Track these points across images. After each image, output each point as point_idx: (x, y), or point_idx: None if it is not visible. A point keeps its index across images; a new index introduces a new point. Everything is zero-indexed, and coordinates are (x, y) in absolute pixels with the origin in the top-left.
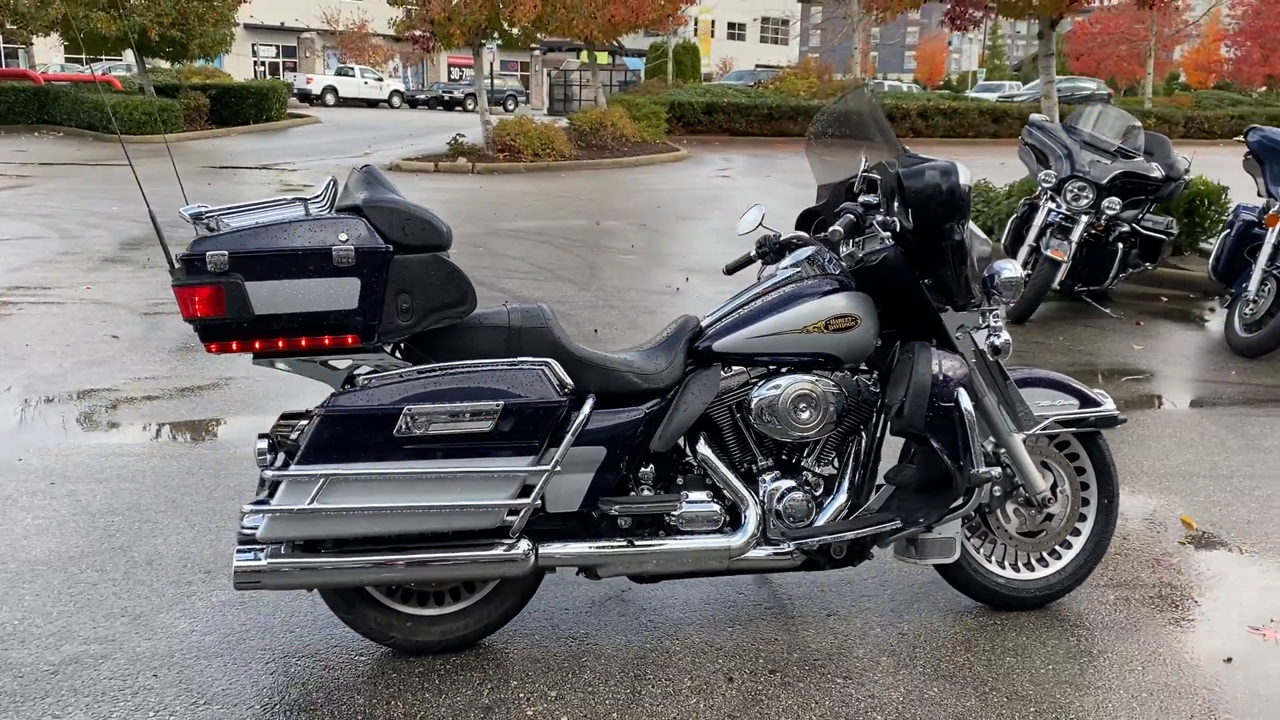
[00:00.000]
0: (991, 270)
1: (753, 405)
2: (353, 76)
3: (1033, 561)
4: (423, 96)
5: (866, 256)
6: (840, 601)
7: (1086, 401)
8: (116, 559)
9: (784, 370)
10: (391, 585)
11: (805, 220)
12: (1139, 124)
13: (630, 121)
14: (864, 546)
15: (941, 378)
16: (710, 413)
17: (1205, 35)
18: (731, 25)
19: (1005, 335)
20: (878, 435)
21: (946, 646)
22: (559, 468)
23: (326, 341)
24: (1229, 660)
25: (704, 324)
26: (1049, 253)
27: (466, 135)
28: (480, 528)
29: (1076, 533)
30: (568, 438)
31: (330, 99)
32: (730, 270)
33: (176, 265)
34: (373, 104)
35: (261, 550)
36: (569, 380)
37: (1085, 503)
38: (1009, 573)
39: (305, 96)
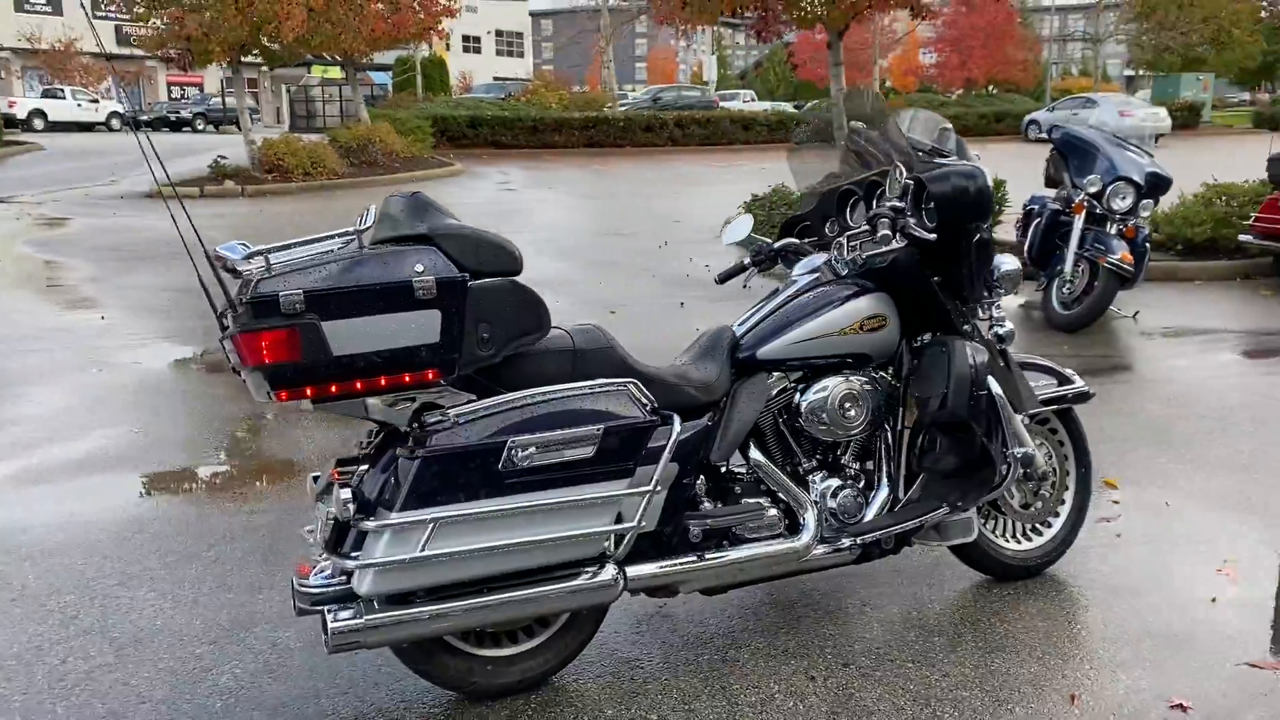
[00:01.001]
0: (992, 265)
1: (803, 408)
2: (63, 99)
3: (1029, 532)
4: (146, 117)
5: (871, 259)
6: (867, 593)
7: (1063, 380)
8: (97, 642)
9: (821, 373)
10: (479, 628)
11: (788, 228)
12: (949, 125)
13: (398, 136)
14: (909, 535)
15: (975, 367)
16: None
17: (907, 43)
18: (467, 39)
19: (1009, 325)
20: (900, 428)
21: (983, 621)
22: (659, 487)
23: (406, 379)
24: (1214, 600)
25: (739, 333)
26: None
27: (228, 156)
28: (583, 558)
29: (1063, 501)
30: (664, 456)
31: (39, 123)
32: (723, 279)
33: (239, 309)
34: (87, 127)
35: (349, 608)
36: (652, 398)
37: (1067, 473)
38: (1014, 545)
39: (10, 122)
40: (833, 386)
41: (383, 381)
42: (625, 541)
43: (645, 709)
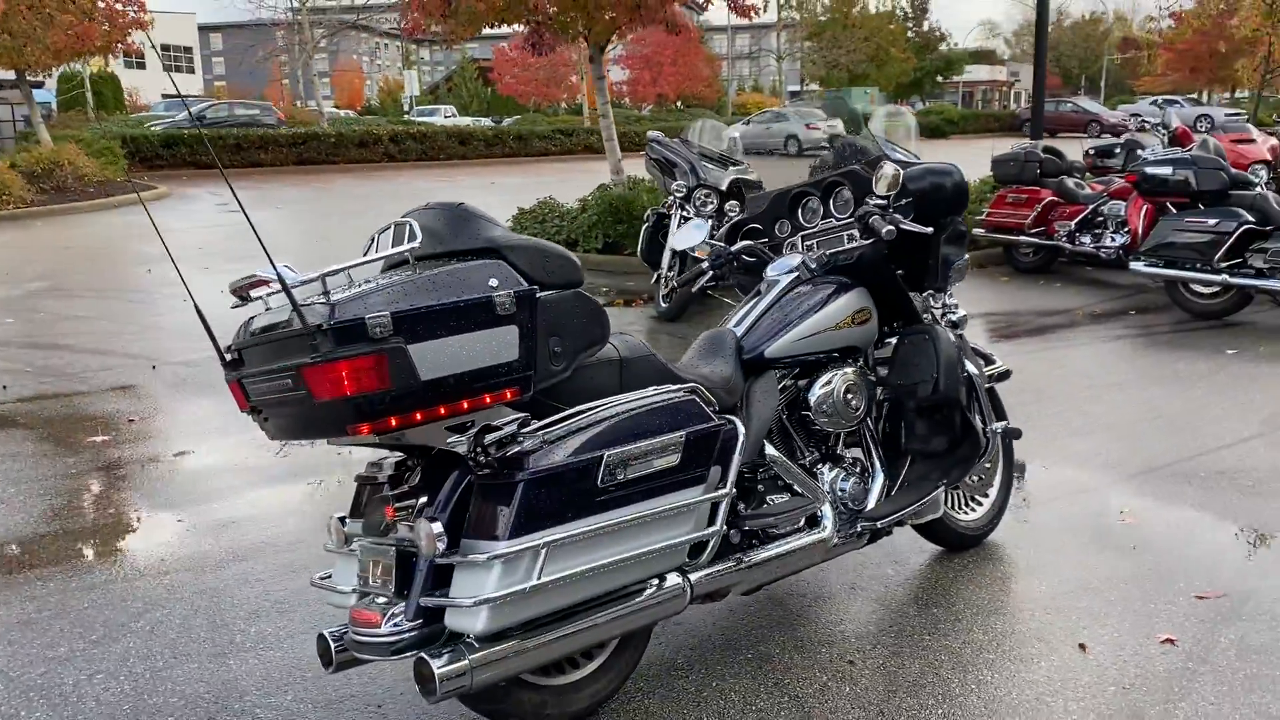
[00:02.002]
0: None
1: (812, 402)
2: None
3: (971, 503)
4: None
5: (835, 256)
6: (843, 577)
7: (988, 360)
8: None
9: (815, 367)
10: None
11: (733, 233)
12: (736, 134)
13: (88, 159)
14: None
15: (957, 351)
16: None
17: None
18: (128, 54)
19: (963, 311)
20: (879, 414)
21: (964, 590)
22: (734, 489)
23: (487, 400)
24: (1134, 547)
25: (739, 334)
26: (696, 253)
27: None
28: (668, 569)
29: (994, 472)
30: (735, 458)
31: None
32: (682, 284)
33: (319, 336)
34: None
35: (446, 651)
36: (715, 401)
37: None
38: (964, 516)
39: None
40: (835, 379)
41: (465, 405)
42: (710, 547)
43: (716, 714)
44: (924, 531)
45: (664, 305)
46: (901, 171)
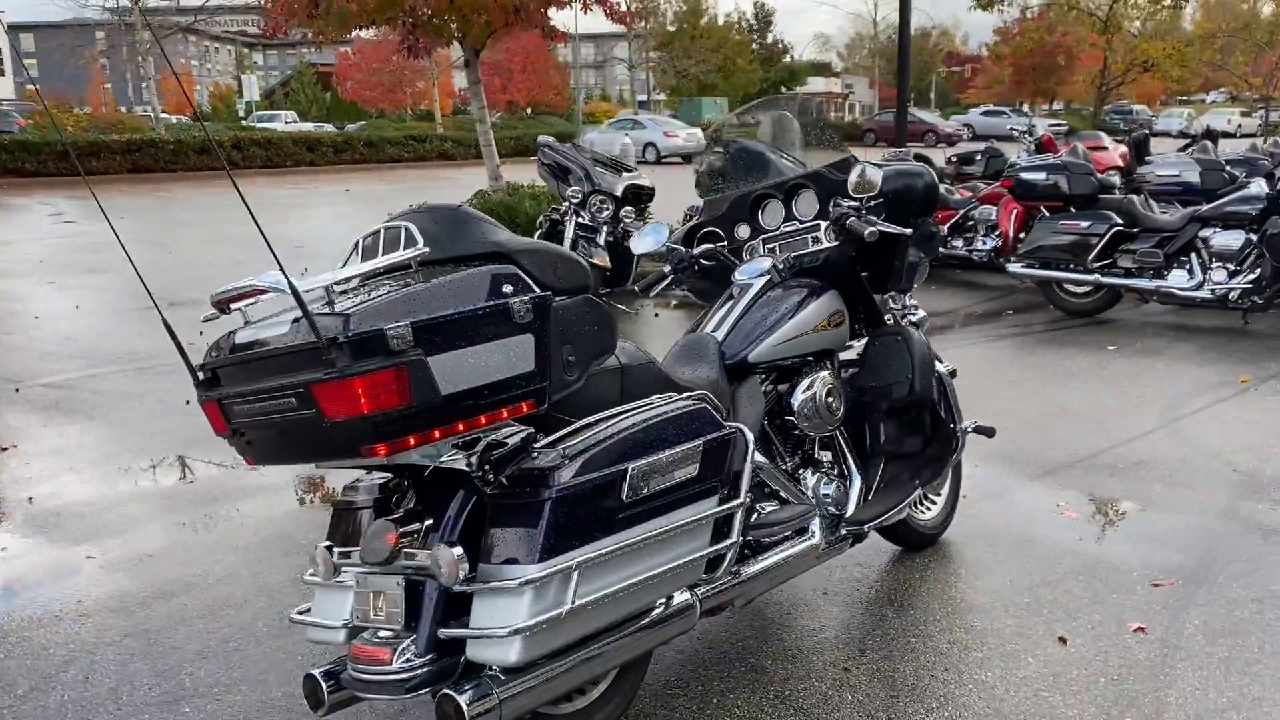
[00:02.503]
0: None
1: (796, 406)
2: None
3: (927, 502)
4: None
5: (800, 259)
6: (809, 582)
7: (937, 359)
8: None
9: (791, 371)
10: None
11: (690, 236)
12: (628, 139)
13: None
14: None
15: (929, 352)
16: None
17: (439, 66)
18: None
19: (922, 311)
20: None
21: (933, 590)
22: (747, 499)
23: (504, 415)
24: (1080, 539)
25: (719, 338)
26: (595, 260)
27: None
28: (689, 584)
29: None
30: (747, 467)
31: None
32: (644, 289)
33: (334, 350)
34: None
35: (469, 685)
36: (723, 409)
37: None
38: (923, 515)
39: None
40: (818, 382)
41: (483, 420)
42: (728, 560)
43: None
44: (885, 532)
45: None
46: (882, 173)
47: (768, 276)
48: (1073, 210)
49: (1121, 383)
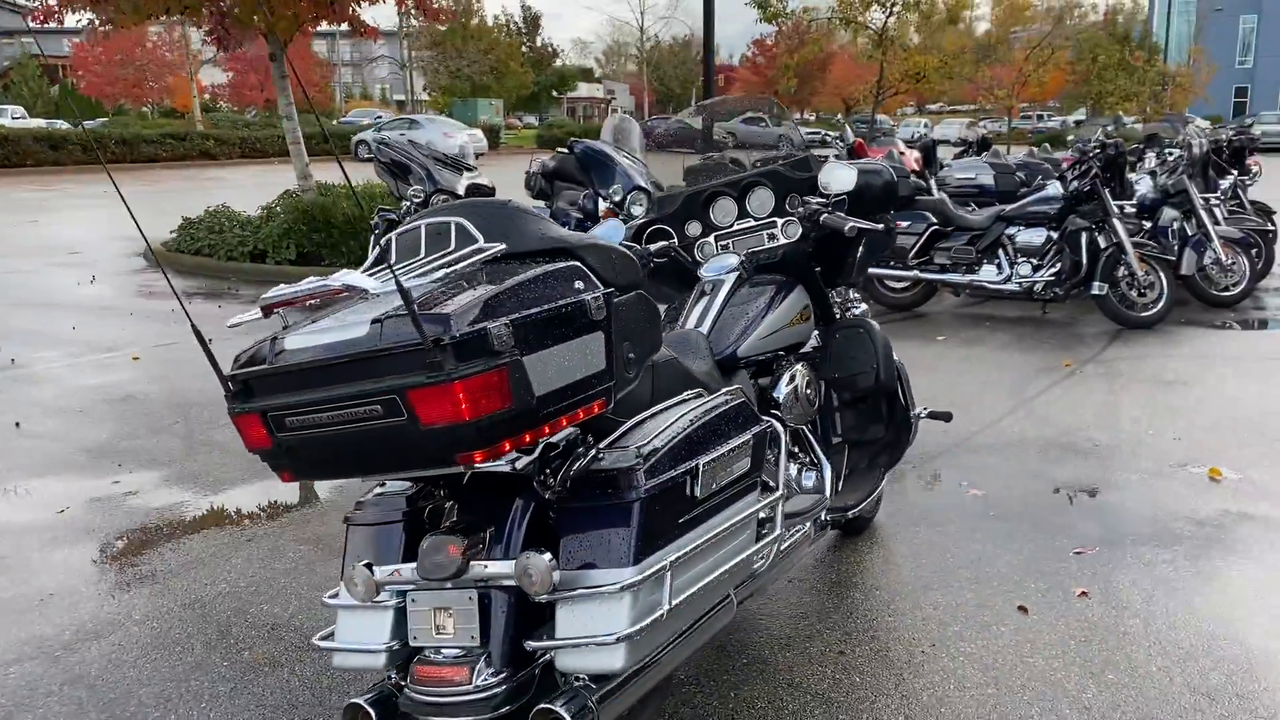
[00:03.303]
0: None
1: (781, 399)
2: None
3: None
4: None
5: (756, 255)
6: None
7: None
8: None
9: (767, 365)
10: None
11: (639, 234)
12: (466, 138)
13: None
14: None
15: (888, 343)
16: None
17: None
18: None
19: (864, 305)
20: None
21: (887, 571)
22: (785, 490)
23: (580, 415)
24: (993, 514)
25: (705, 334)
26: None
27: None
28: (743, 580)
29: None
30: (783, 459)
31: None
32: None
33: (440, 352)
34: None
35: (564, 698)
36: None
37: None
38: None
39: None
40: (798, 375)
41: (564, 422)
42: (774, 553)
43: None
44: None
45: None
46: (857, 170)
47: (737, 273)
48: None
49: (963, 370)
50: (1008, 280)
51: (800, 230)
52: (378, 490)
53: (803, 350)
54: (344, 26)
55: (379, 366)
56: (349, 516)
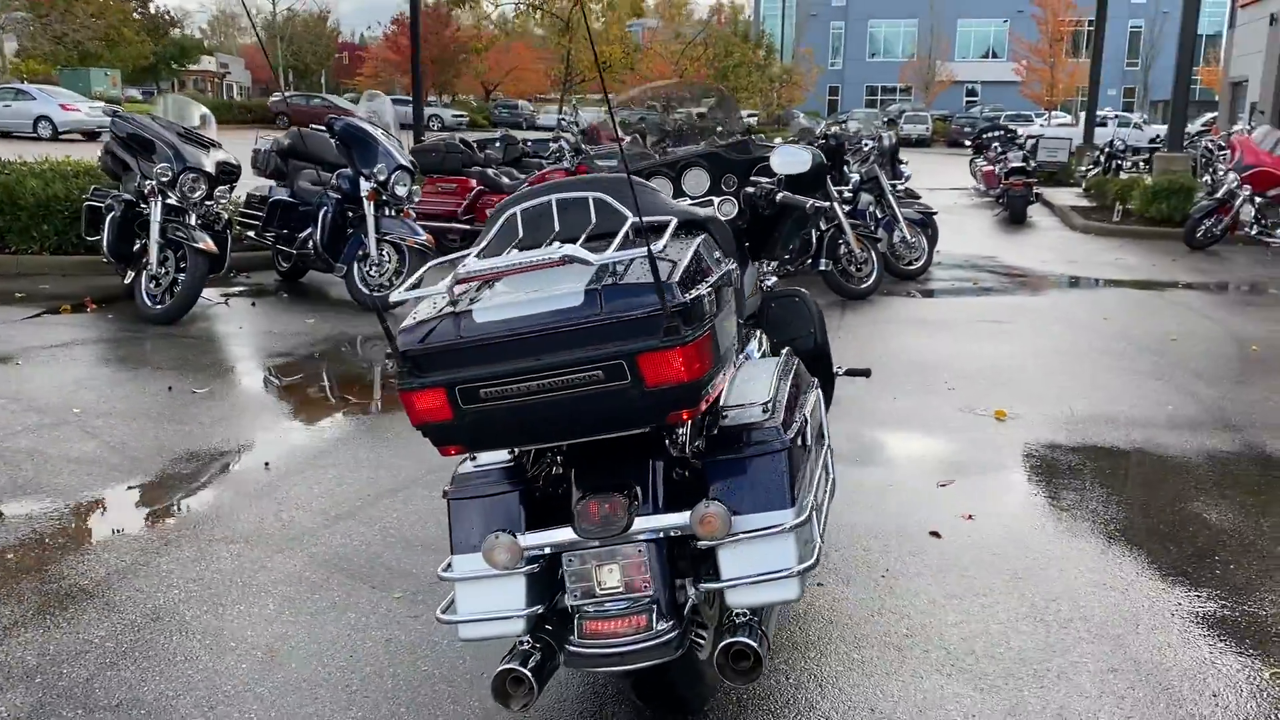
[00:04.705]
0: None
1: None
2: None
3: None
4: None
5: None
6: None
7: None
8: None
9: None
10: None
11: None
12: (207, 110)
13: None
14: None
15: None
16: None
17: None
18: None
19: (774, 279)
20: None
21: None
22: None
23: (724, 380)
24: (858, 460)
25: None
26: (200, 245)
27: None
28: None
29: None
30: (824, 413)
31: None
32: None
33: (675, 318)
34: None
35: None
36: None
37: None
38: None
39: None
40: (764, 341)
41: (721, 381)
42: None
43: (797, 711)
44: None
45: (154, 305)
46: (816, 155)
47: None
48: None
49: None
50: None
51: (736, 209)
52: (470, 465)
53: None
54: None
55: (601, 333)
56: (449, 492)
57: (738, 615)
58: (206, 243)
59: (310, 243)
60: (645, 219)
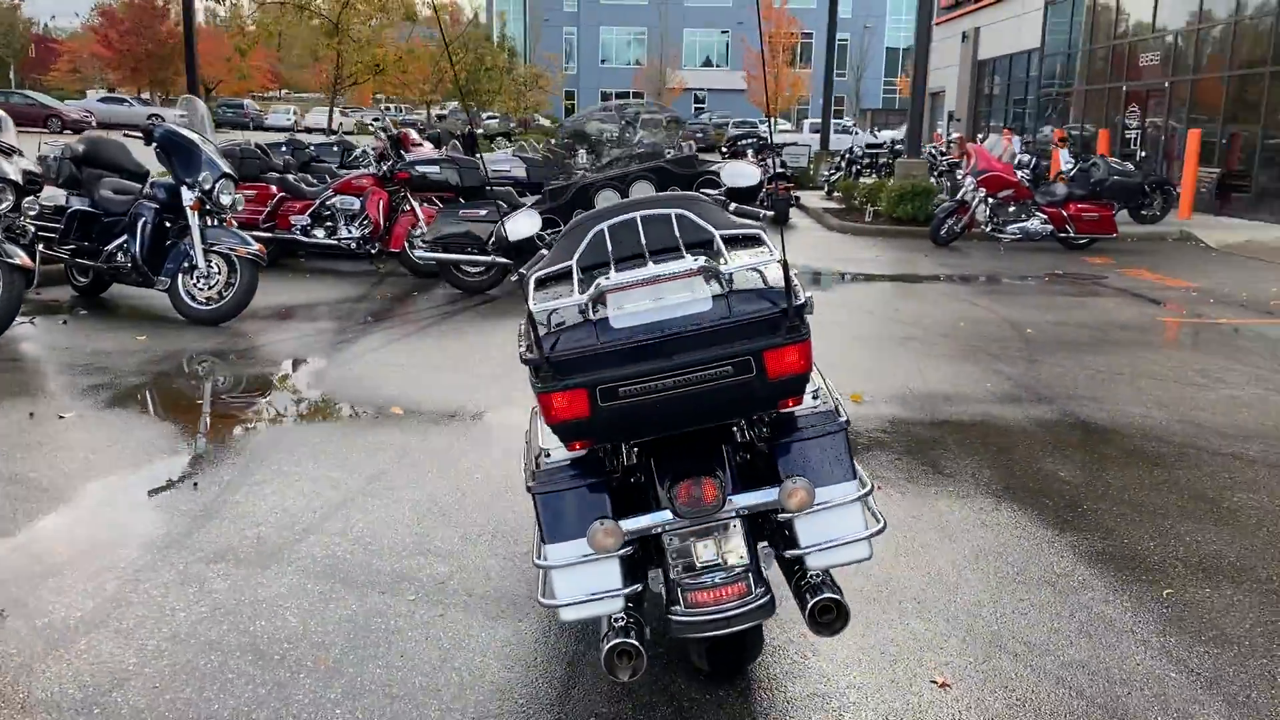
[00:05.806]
0: None
1: None
2: None
3: None
4: None
5: None
6: None
7: None
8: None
9: None
10: None
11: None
12: (4, 114)
13: None
14: None
15: None
16: None
17: None
18: None
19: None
20: None
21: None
22: None
23: None
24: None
25: None
26: (17, 261)
27: None
28: None
29: None
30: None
31: None
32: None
33: (790, 317)
34: None
35: (825, 586)
36: None
37: None
38: None
39: None
40: None
41: None
42: None
43: (838, 704)
44: None
45: None
46: (761, 170)
47: None
48: (463, 200)
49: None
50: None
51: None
52: (551, 462)
53: None
54: None
55: (732, 333)
56: (533, 488)
57: (813, 576)
58: (21, 257)
59: (121, 255)
60: (722, 232)
